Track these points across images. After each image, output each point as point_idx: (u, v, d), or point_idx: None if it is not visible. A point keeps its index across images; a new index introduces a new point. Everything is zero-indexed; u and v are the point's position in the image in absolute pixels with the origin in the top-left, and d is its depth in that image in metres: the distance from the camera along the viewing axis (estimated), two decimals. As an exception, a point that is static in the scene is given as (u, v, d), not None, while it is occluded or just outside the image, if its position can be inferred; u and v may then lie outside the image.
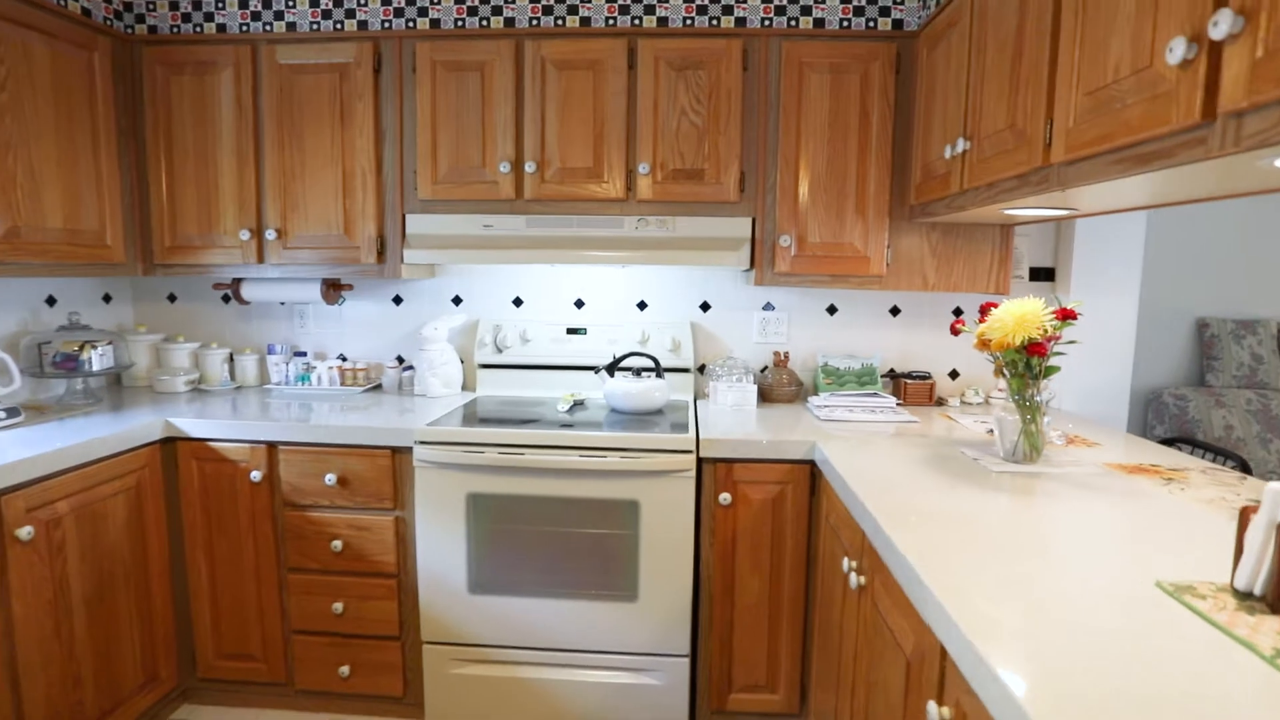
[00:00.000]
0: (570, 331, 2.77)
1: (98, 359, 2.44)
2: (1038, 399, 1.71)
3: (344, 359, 2.93)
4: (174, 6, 2.45)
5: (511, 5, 2.38)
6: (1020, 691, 0.80)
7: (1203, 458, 1.94)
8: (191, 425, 2.25)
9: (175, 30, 2.47)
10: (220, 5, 2.44)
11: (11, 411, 2.11)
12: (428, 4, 2.39)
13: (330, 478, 2.21)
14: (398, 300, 2.89)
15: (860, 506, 1.52)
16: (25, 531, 1.76)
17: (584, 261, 2.39)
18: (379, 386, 2.85)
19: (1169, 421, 3.55)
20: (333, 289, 2.75)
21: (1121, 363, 2.74)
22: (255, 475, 2.23)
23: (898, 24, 2.31)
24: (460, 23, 2.40)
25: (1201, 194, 1.34)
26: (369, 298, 2.90)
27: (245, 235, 2.48)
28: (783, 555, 2.17)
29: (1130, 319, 2.70)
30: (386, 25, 2.41)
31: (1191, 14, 0.96)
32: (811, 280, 2.41)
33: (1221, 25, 0.87)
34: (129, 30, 2.49)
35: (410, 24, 2.41)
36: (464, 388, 2.84)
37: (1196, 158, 0.94)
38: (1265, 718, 0.75)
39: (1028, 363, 1.67)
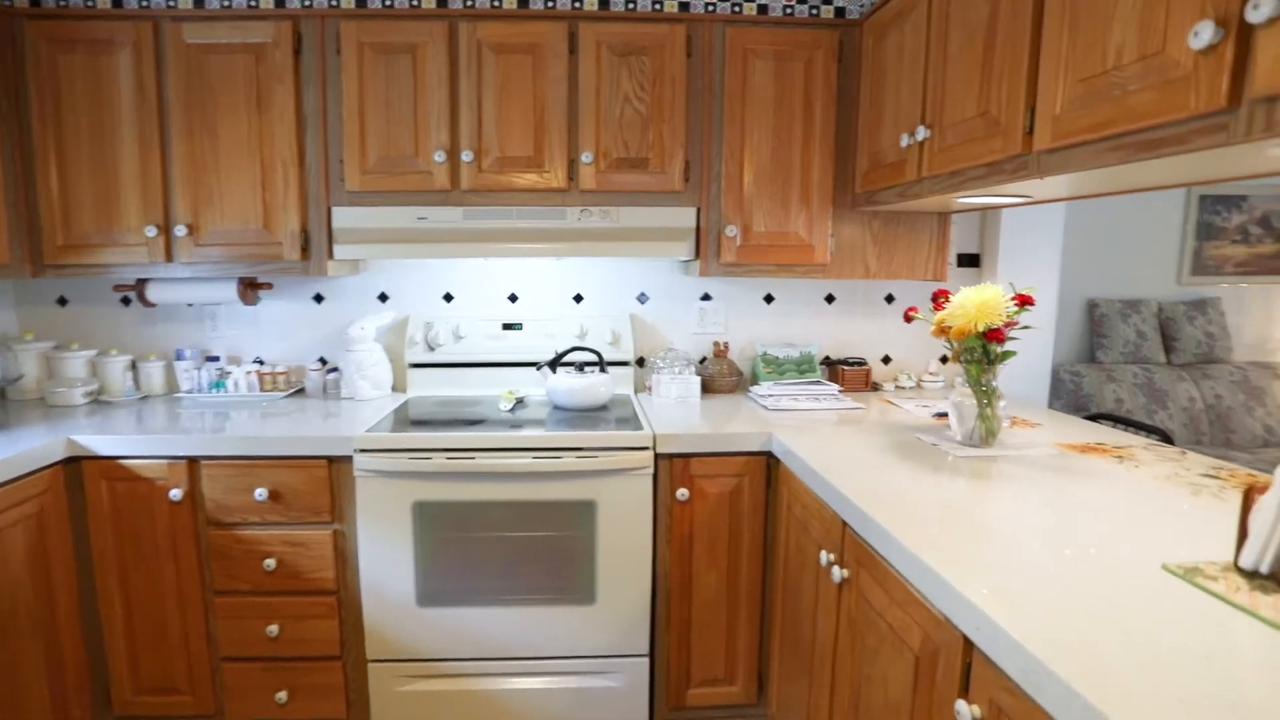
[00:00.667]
0: (506, 327, 2.67)
1: (-19, 371, 2.19)
2: (994, 384, 1.74)
3: (261, 362, 2.73)
4: (58, -23, 2.21)
5: (442, -15, 2.26)
6: (1095, 696, 0.78)
7: (1124, 432, 2.04)
8: (99, 442, 2.04)
9: (62, 4, 2.23)
10: (113, -23, 2.21)
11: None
12: (351, -18, 2.24)
13: (261, 492, 2.05)
14: (319, 299, 2.71)
15: (841, 498, 1.51)
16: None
17: (525, 254, 2.31)
18: (302, 390, 2.68)
19: (1065, 397, 3.76)
20: (250, 288, 2.56)
21: (1042, 344, 2.86)
22: (175, 494, 2.04)
23: (840, 12, 2.31)
24: (388, 2, 2.25)
25: (1184, 179, 1.39)
26: (287, 297, 2.71)
27: (152, 232, 2.26)
28: (739, 548, 2.16)
29: (1051, 302, 2.82)
30: (307, 4, 2.24)
31: None
32: (757, 270, 2.40)
33: (1264, 8, 0.86)
34: (8, 3, 2.22)
35: (333, 2, 2.24)
36: (394, 389, 2.70)
37: (1216, 144, 0.95)
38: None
39: (985, 349, 1.71)
